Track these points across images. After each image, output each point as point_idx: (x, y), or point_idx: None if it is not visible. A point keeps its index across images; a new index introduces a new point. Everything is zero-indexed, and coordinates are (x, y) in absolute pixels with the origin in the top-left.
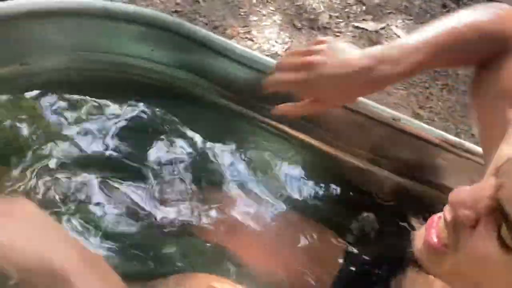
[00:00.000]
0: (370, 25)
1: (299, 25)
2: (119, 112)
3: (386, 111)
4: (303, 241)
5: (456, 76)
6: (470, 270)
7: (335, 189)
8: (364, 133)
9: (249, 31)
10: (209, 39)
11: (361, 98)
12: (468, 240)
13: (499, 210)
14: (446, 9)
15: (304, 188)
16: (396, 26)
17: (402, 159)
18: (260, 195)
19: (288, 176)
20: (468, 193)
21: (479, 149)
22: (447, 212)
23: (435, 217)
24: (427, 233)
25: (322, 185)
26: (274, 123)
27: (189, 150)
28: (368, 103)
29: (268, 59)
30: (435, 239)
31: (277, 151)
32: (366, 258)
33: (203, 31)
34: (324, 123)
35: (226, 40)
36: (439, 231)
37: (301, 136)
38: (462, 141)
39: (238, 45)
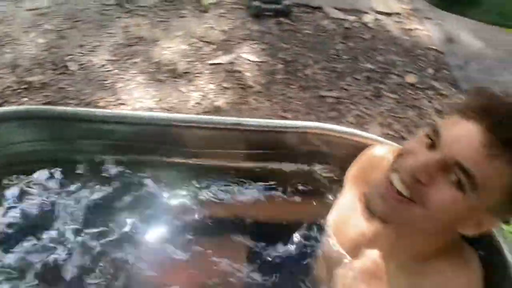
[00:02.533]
0: (223, 59)
1: (162, 77)
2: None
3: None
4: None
5: (305, 76)
6: (436, 213)
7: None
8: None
9: (119, 98)
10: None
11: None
12: (429, 193)
13: (451, 166)
14: (280, 26)
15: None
16: (246, 53)
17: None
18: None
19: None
20: (421, 162)
21: (346, 129)
22: (405, 177)
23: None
24: (389, 193)
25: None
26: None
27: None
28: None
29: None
30: (399, 193)
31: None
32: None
33: (78, 109)
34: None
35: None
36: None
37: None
38: (333, 125)
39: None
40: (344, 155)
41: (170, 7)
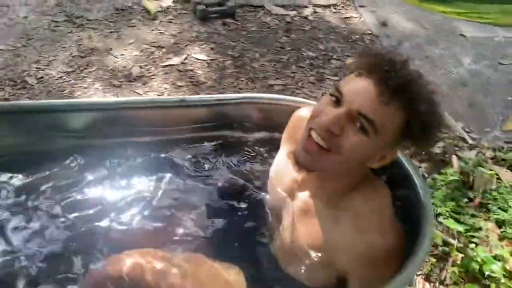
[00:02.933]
0: (175, 60)
1: (118, 83)
2: None
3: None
4: None
5: (253, 69)
6: (349, 157)
7: None
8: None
9: None
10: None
11: None
12: (342, 142)
13: (355, 116)
14: (226, 26)
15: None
16: (195, 53)
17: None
18: None
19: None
20: (334, 119)
21: (275, 96)
22: (321, 132)
23: (305, 138)
24: (309, 146)
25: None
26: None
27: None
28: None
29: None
30: (318, 145)
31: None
32: None
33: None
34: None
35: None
36: (312, 145)
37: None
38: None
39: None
40: (278, 120)
41: (120, 17)
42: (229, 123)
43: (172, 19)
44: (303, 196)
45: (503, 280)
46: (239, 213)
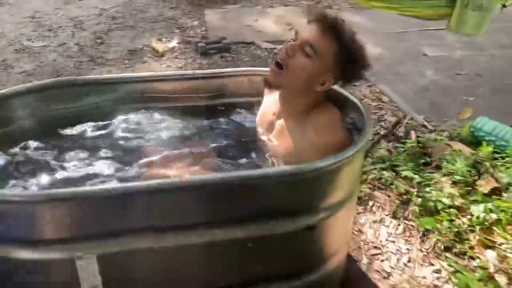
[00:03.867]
0: None
1: None
2: None
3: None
4: None
5: None
6: (296, 73)
7: None
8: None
9: None
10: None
11: None
12: (292, 61)
13: (303, 45)
14: (223, 58)
15: None
16: None
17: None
18: None
19: None
20: (290, 45)
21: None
22: (281, 54)
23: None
24: (272, 67)
25: None
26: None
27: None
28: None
29: None
30: (277, 64)
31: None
32: None
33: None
34: None
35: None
36: (273, 66)
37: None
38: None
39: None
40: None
41: (133, 57)
42: (228, 93)
43: (178, 55)
44: (279, 122)
45: (452, 211)
46: (242, 151)
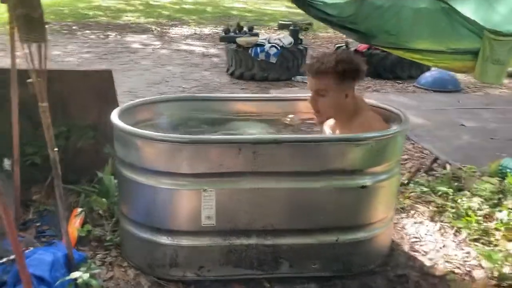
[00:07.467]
0: None
1: None
2: None
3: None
4: None
5: None
6: (327, 109)
7: None
8: None
9: None
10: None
11: None
12: (319, 107)
13: (316, 92)
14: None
15: None
16: None
17: None
18: None
19: None
20: (310, 100)
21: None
22: (313, 108)
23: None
24: (315, 115)
25: None
26: None
27: None
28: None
29: None
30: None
31: None
32: None
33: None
34: None
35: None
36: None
37: None
38: None
39: None
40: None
41: None
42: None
43: None
44: (337, 131)
45: (480, 214)
46: None
